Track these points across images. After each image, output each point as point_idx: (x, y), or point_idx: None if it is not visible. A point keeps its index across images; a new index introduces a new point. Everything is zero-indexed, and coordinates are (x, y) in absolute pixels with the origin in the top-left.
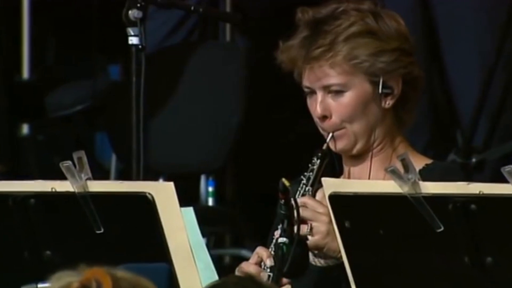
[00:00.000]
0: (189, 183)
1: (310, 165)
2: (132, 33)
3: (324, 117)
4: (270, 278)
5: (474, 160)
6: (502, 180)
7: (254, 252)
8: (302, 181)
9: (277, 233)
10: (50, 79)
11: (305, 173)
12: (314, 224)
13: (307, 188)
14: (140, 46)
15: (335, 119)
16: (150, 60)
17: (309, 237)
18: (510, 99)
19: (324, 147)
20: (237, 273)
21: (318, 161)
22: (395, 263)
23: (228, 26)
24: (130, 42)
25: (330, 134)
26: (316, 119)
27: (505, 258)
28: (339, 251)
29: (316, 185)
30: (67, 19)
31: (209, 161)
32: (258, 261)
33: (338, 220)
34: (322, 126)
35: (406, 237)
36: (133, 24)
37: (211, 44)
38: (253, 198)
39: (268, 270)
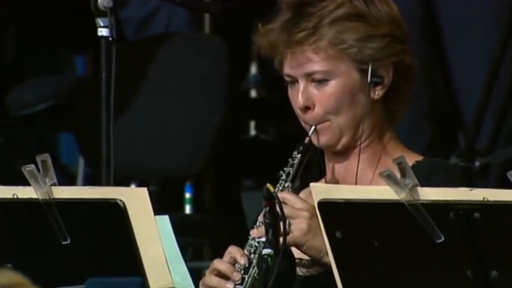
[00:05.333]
0: (165, 189)
1: (290, 159)
2: (102, 24)
3: (306, 108)
4: (245, 282)
5: (477, 163)
6: (508, 185)
7: (226, 252)
8: (282, 177)
9: (253, 232)
10: (10, 74)
11: (285, 168)
12: (293, 221)
13: (286, 184)
14: (110, 38)
15: (318, 110)
16: (121, 54)
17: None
18: None
19: (306, 140)
20: (207, 272)
21: (299, 155)
22: (391, 277)
23: (207, 16)
24: (99, 34)
25: (313, 127)
26: (298, 111)
27: (511, 271)
28: (323, 250)
29: (297, 181)
30: (27, 9)
31: (187, 165)
32: (231, 261)
33: (328, 230)
34: (304, 118)
35: (403, 249)
36: (102, 14)
37: (188, 36)
38: (235, 205)
39: (242, 271)
